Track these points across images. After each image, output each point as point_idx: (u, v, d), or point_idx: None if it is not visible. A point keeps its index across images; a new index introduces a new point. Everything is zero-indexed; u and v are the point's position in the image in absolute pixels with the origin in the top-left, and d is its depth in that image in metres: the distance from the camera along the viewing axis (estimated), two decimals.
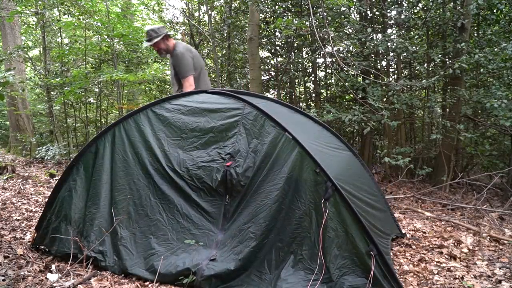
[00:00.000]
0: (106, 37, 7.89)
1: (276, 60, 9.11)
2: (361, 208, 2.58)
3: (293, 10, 7.45)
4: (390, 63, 8.19)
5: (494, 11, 7.09)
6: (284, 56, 8.60)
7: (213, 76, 10.03)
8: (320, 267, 2.24)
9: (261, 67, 8.28)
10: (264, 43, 8.58)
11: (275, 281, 2.30)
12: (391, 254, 2.99)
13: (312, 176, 2.38)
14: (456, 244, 3.46)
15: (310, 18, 5.57)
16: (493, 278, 2.72)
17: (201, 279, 2.33)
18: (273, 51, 8.84)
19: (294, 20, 6.53)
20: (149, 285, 2.44)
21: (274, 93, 9.60)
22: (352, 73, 6.37)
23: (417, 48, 7.01)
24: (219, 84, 8.64)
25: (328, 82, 9.14)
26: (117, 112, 9.36)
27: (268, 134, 2.58)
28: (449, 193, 6.67)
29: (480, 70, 7.46)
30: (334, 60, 6.96)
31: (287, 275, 2.29)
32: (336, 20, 7.26)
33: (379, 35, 7.24)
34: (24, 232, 3.46)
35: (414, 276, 2.73)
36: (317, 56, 7.88)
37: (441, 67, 7.20)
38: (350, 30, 7.58)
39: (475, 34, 7.71)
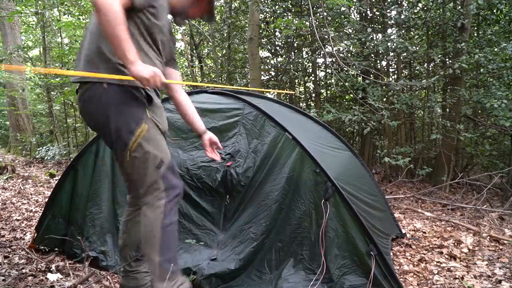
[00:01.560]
0: None
1: (276, 60, 9.11)
2: (361, 208, 2.58)
3: (293, 10, 7.45)
4: (390, 63, 8.19)
5: (494, 11, 7.10)
6: (284, 56, 8.61)
7: (213, 76, 10.05)
8: (321, 267, 2.24)
9: (261, 67, 8.28)
10: (264, 43, 8.58)
11: (275, 281, 2.30)
12: (391, 254, 2.99)
13: (312, 176, 2.38)
14: (456, 244, 3.46)
15: (310, 18, 5.58)
16: (493, 278, 2.72)
17: (201, 278, 2.33)
18: (273, 51, 8.84)
19: (294, 20, 6.53)
20: None
21: (274, 93, 9.60)
22: (352, 73, 6.37)
23: (417, 48, 7.02)
24: (219, 85, 8.64)
25: (328, 82, 9.14)
26: None
27: (268, 134, 2.58)
28: (449, 193, 6.67)
29: (480, 70, 7.47)
30: (334, 60, 6.96)
31: (288, 275, 2.29)
32: (336, 20, 7.26)
33: (379, 35, 7.24)
34: (24, 232, 3.46)
35: (414, 276, 2.73)
36: (317, 56, 7.88)
37: (441, 67, 7.20)
38: (350, 30, 7.59)
39: (475, 34, 7.71)
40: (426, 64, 7.82)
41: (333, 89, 9.12)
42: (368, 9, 7.36)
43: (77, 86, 1.82)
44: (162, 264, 1.73)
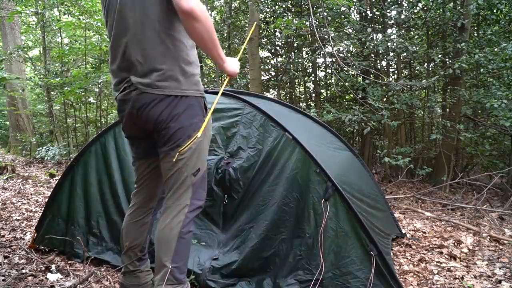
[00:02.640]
0: (106, 37, 7.88)
1: (276, 60, 9.11)
2: (361, 208, 2.58)
3: (293, 10, 7.45)
4: (390, 63, 8.19)
5: (494, 11, 7.10)
6: (284, 56, 8.61)
7: (213, 76, 10.04)
8: (320, 267, 2.24)
9: (261, 67, 8.29)
10: (264, 43, 8.58)
11: (274, 279, 2.30)
12: (391, 254, 2.99)
13: (312, 176, 2.38)
14: (456, 244, 3.47)
15: (310, 18, 5.58)
16: (493, 278, 2.72)
17: (205, 278, 2.34)
18: (273, 51, 8.85)
19: (294, 20, 6.54)
20: None
21: (274, 93, 9.60)
22: (352, 73, 6.38)
23: (417, 48, 7.02)
24: (219, 84, 8.63)
25: (328, 82, 9.14)
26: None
27: (268, 135, 2.58)
28: (449, 193, 6.67)
29: (480, 70, 7.47)
30: (334, 60, 6.96)
31: (288, 275, 2.29)
32: (336, 20, 7.27)
33: (379, 35, 7.24)
34: (24, 232, 3.46)
35: (414, 276, 2.73)
36: (317, 56, 7.89)
37: (441, 67, 7.20)
38: (350, 30, 7.59)
39: (475, 34, 7.72)
40: (426, 64, 7.82)
41: (333, 89, 9.12)
42: (368, 9, 7.36)
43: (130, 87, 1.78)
44: (171, 271, 1.77)
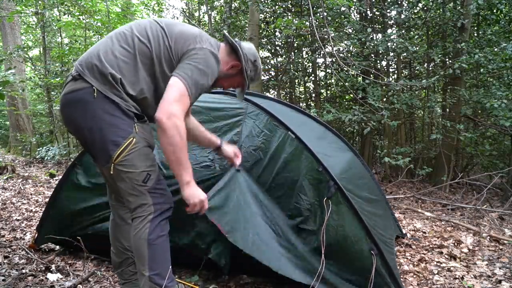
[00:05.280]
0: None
1: (276, 60, 9.11)
2: (362, 207, 2.57)
3: (293, 10, 7.45)
4: (390, 63, 8.20)
5: (494, 11, 7.11)
6: (284, 56, 8.61)
7: None
8: (321, 264, 2.24)
9: (261, 67, 8.27)
10: (264, 43, 8.58)
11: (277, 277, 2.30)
12: (396, 253, 2.99)
13: (315, 175, 2.38)
14: (456, 244, 3.47)
15: (310, 18, 5.58)
16: (493, 278, 2.72)
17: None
18: (273, 51, 8.85)
19: (294, 20, 6.54)
20: None
21: (274, 93, 9.60)
22: (352, 73, 6.37)
23: (417, 48, 7.02)
24: None
25: (328, 82, 9.15)
26: None
27: (271, 134, 2.57)
28: (449, 193, 6.68)
29: (480, 70, 7.48)
30: (334, 60, 6.96)
31: (290, 273, 2.29)
32: (336, 20, 7.27)
33: (379, 35, 7.25)
34: (24, 232, 3.46)
35: (414, 276, 2.74)
36: (317, 56, 7.89)
37: (441, 67, 7.21)
38: (350, 30, 7.59)
39: (475, 34, 7.72)
40: (426, 64, 7.83)
41: (333, 89, 9.12)
42: (368, 9, 7.37)
43: (68, 79, 1.76)
44: (151, 279, 1.75)
